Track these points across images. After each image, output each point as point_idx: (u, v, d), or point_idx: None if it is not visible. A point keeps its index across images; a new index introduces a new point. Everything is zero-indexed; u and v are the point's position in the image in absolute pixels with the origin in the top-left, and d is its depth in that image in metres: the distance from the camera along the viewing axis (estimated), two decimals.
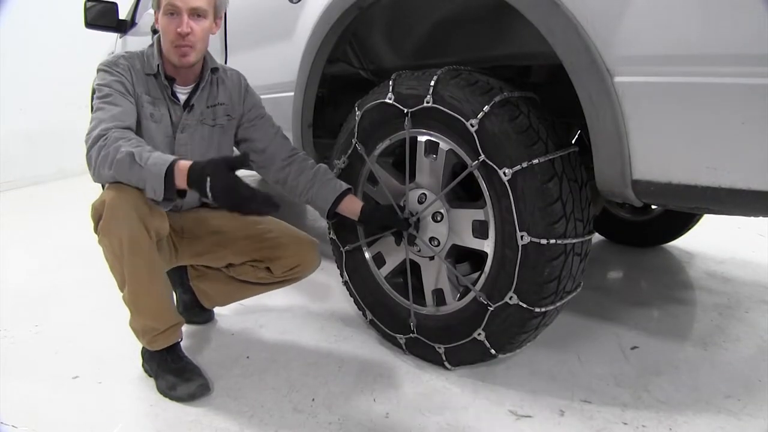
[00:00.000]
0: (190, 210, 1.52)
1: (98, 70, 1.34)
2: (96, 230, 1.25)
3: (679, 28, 0.90)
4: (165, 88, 1.38)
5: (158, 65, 1.36)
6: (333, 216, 1.47)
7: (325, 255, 1.56)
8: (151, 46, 1.40)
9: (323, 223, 2.89)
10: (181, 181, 1.13)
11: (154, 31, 1.40)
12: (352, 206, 1.45)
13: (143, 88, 1.36)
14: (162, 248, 1.35)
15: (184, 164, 1.14)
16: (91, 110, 1.32)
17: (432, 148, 1.34)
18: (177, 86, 1.40)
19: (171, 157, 1.15)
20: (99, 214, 1.23)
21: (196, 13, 1.32)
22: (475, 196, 1.29)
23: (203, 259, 1.54)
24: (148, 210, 1.23)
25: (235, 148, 1.57)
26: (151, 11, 1.54)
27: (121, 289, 1.30)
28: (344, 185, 1.46)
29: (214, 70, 1.45)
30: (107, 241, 1.23)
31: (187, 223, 1.48)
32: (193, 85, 1.42)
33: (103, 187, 1.29)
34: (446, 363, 1.41)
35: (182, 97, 1.42)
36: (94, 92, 1.35)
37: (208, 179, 1.10)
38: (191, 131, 1.42)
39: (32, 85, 4.43)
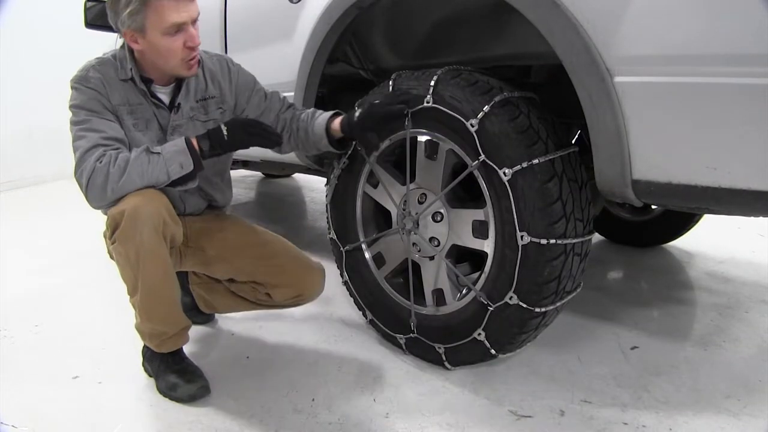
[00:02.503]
0: (196, 218, 1.48)
1: (71, 88, 1.28)
2: (111, 238, 1.24)
3: (679, 28, 0.90)
4: (144, 93, 1.31)
5: (131, 69, 1.29)
6: (336, 144, 1.42)
7: (326, 255, 1.56)
8: (123, 48, 1.31)
9: (323, 223, 2.89)
10: (198, 148, 1.25)
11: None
12: (340, 123, 1.39)
13: (121, 98, 1.29)
14: (170, 254, 1.33)
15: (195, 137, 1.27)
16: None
17: (432, 148, 1.34)
18: (156, 87, 1.33)
19: (181, 138, 1.25)
20: (116, 223, 1.21)
21: (195, 21, 1.26)
22: (475, 196, 1.30)
23: (206, 270, 1.52)
24: (165, 219, 1.23)
25: None
26: None
27: (131, 294, 1.29)
28: (332, 112, 1.43)
29: (198, 61, 1.33)
30: (123, 249, 1.22)
31: (194, 232, 1.45)
32: (174, 84, 1.35)
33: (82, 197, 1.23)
34: (446, 363, 1.41)
35: (165, 98, 1.35)
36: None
37: (224, 127, 1.27)
38: (182, 131, 1.36)
39: (32, 85, 4.41)
